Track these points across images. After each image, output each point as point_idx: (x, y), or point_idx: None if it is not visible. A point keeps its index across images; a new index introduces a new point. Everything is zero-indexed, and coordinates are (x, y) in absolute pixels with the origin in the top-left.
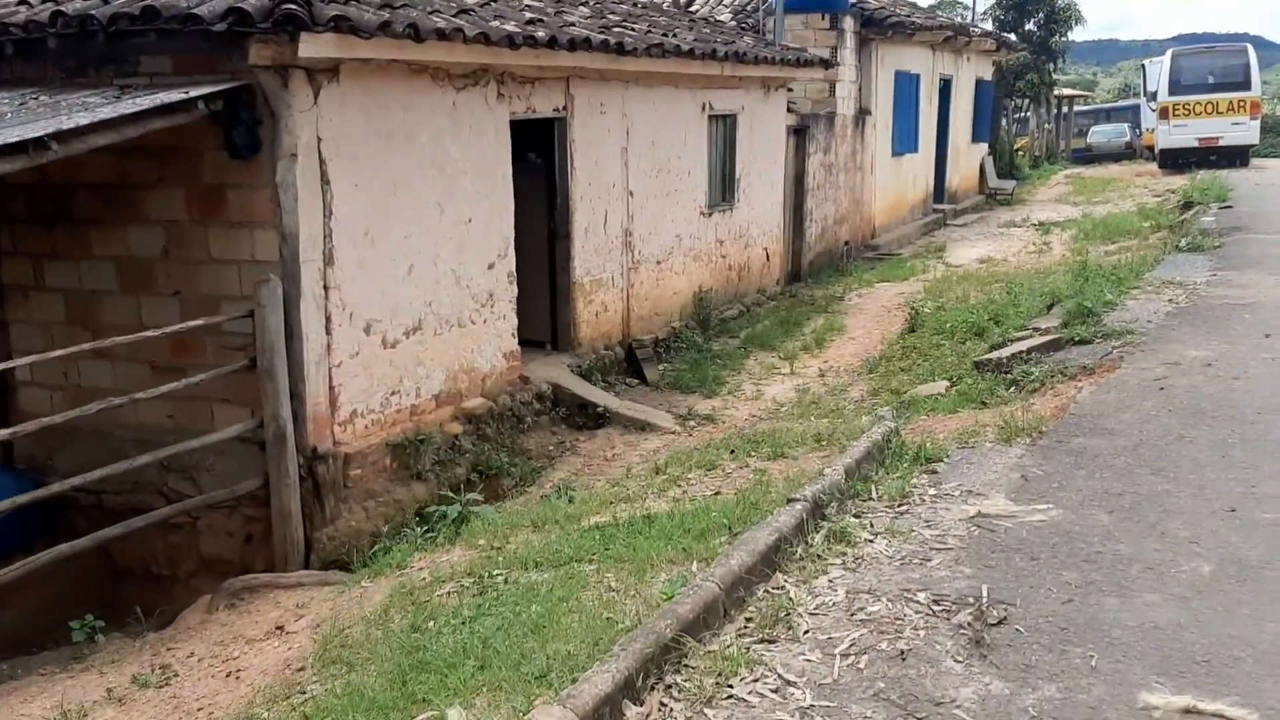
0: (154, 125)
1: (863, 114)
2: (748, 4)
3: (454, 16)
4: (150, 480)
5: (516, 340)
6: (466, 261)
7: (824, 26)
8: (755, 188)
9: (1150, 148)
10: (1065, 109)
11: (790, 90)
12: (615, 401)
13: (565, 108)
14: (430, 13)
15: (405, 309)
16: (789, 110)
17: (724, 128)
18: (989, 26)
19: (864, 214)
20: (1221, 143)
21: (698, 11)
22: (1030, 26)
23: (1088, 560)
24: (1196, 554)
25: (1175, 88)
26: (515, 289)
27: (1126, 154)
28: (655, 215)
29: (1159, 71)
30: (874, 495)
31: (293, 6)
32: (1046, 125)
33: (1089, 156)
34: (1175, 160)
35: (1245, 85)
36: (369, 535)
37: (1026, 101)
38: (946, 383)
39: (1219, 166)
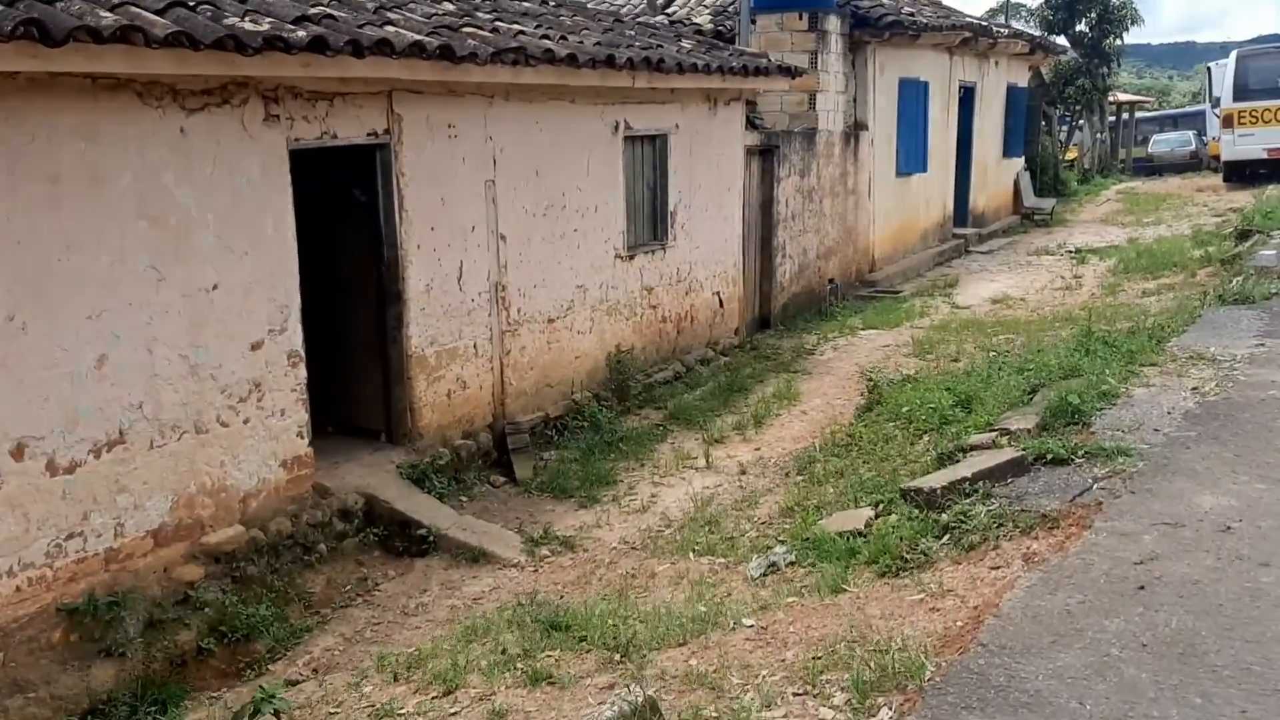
0: None
1: (857, 129)
2: (729, 5)
3: (163, 10)
4: None
5: (307, 440)
6: (209, 343)
7: (802, 28)
8: (699, 221)
9: (1216, 157)
10: (1125, 116)
11: (753, 104)
12: (447, 519)
13: (388, 131)
14: (115, 6)
15: (93, 416)
16: (753, 128)
17: (650, 151)
18: (1037, 29)
19: (859, 245)
20: None
21: (675, 14)
22: (1081, 27)
23: None
24: None
25: (1241, 92)
26: (302, 373)
27: (1192, 164)
28: (543, 262)
29: (1223, 74)
30: None
31: None
32: (1100, 135)
33: (1150, 168)
34: (1241, 173)
35: None
36: None
37: (1079, 109)
38: (871, 511)
39: None
